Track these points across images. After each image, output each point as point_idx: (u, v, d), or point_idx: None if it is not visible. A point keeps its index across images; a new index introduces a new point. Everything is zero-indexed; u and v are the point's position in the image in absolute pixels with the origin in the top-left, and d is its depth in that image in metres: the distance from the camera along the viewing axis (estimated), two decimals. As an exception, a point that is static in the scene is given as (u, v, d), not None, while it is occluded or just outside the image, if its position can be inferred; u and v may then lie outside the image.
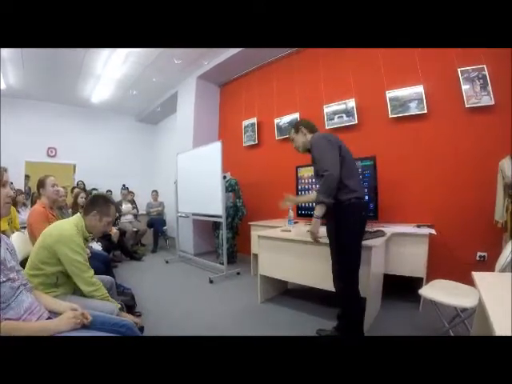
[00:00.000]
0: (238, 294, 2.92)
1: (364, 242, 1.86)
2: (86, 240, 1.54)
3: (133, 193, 5.83)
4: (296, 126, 1.99)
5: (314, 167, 1.89)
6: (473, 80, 2.49)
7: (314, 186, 3.21)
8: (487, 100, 2.44)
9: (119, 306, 1.55)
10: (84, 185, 5.67)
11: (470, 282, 1.21)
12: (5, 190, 0.99)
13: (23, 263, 1.46)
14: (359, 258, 1.74)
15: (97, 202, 1.54)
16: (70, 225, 1.48)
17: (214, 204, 3.57)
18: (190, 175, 4.18)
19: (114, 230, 4.11)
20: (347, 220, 1.70)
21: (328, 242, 1.85)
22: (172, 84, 5.30)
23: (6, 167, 1.01)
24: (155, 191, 5.78)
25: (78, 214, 1.56)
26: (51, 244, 1.38)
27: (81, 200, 3.55)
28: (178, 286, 3.27)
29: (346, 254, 1.72)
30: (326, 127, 3.42)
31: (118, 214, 1.56)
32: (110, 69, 4.48)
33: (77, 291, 1.48)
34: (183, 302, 2.73)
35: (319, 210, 1.69)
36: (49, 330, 1.00)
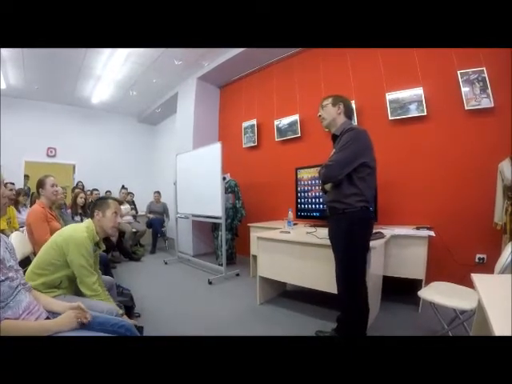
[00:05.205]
0: (236, 295, 2.91)
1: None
2: (97, 246, 1.59)
3: (132, 193, 5.81)
4: (336, 98, 1.82)
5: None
6: (472, 82, 2.50)
7: (313, 187, 3.21)
8: (487, 102, 2.44)
9: (121, 311, 1.56)
10: (83, 185, 5.65)
11: (470, 284, 1.21)
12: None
13: (22, 263, 1.46)
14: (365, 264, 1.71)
15: (95, 204, 1.64)
16: (81, 228, 1.52)
17: (214, 205, 3.57)
18: (189, 176, 4.17)
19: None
20: (359, 231, 1.64)
21: (329, 243, 1.82)
22: (172, 85, 5.31)
23: None
24: (157, 192, 5.72)
25: (90, 219, 1.60)
26: (61, 243, 1.41)
27: (80, 200, 3.55)
28: (177, 287, 3.26)
29: (353, 261, 1.66)
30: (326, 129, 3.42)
31: (119, 204, 1.65)
32: (111, 69, 4.49)
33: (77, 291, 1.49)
34: (182, 303, 2.72)
35: None
36: (50, 329, 1.00)
